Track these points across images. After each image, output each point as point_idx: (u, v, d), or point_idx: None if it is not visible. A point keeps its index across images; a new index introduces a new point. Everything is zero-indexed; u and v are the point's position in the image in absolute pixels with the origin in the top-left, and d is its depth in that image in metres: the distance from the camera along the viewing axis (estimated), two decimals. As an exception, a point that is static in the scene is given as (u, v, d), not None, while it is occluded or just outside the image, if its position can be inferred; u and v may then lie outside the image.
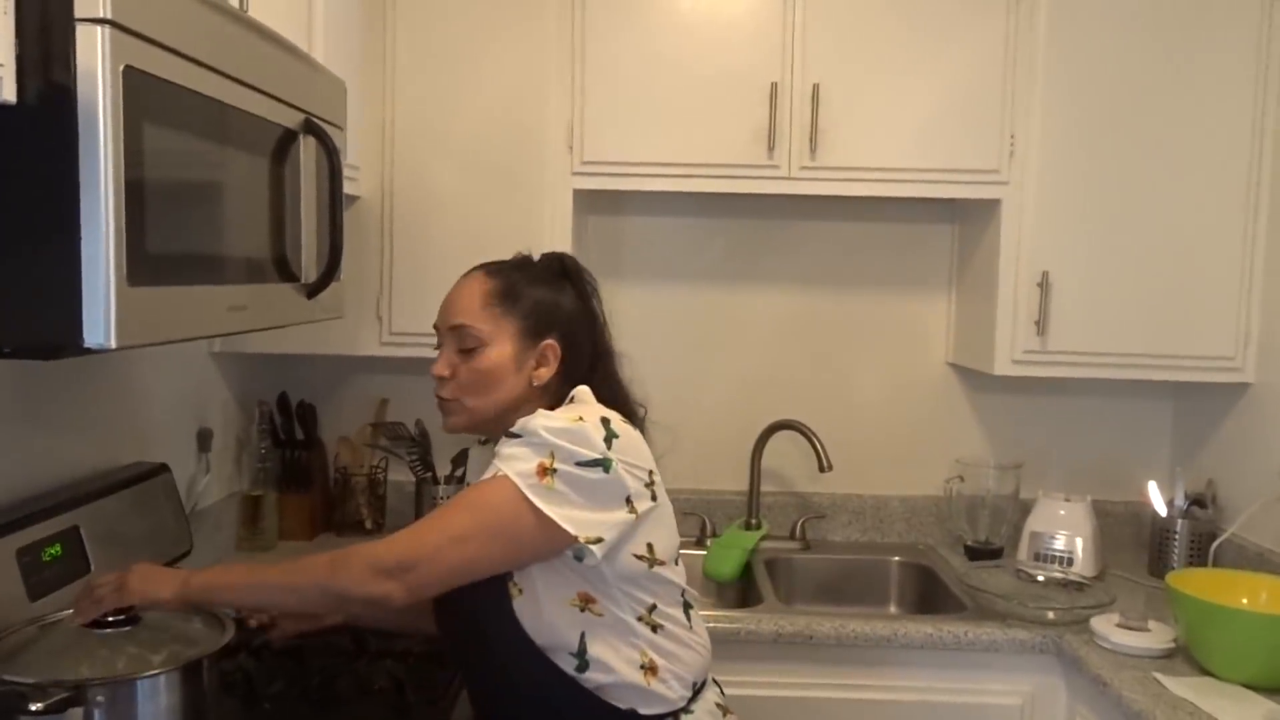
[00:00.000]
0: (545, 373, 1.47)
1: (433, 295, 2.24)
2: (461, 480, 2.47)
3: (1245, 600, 1.81)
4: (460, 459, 2.46)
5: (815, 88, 2.20)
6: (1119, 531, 2.51)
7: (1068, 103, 2.21)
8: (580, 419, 1.36)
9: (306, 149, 1.57)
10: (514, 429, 1.38)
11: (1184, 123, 2.21)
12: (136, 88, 1.07)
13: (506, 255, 2.22)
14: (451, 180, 2.26)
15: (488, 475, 1.37)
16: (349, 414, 2.57)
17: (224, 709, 1.44)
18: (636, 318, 2.60)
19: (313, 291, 1.60)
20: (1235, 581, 1.87)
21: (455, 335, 1.48)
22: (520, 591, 1.36)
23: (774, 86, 2.20)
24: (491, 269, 1.54)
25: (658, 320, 2.62)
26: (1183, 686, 1.67)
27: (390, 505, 2.54)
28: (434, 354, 2.29)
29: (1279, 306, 2.19)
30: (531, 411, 1.41)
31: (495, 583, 1.36)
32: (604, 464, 1.34)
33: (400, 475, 2.53)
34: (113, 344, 1.03)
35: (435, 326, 1.52)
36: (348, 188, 1.99)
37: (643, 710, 1.40)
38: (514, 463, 1.34)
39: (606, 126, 2.24)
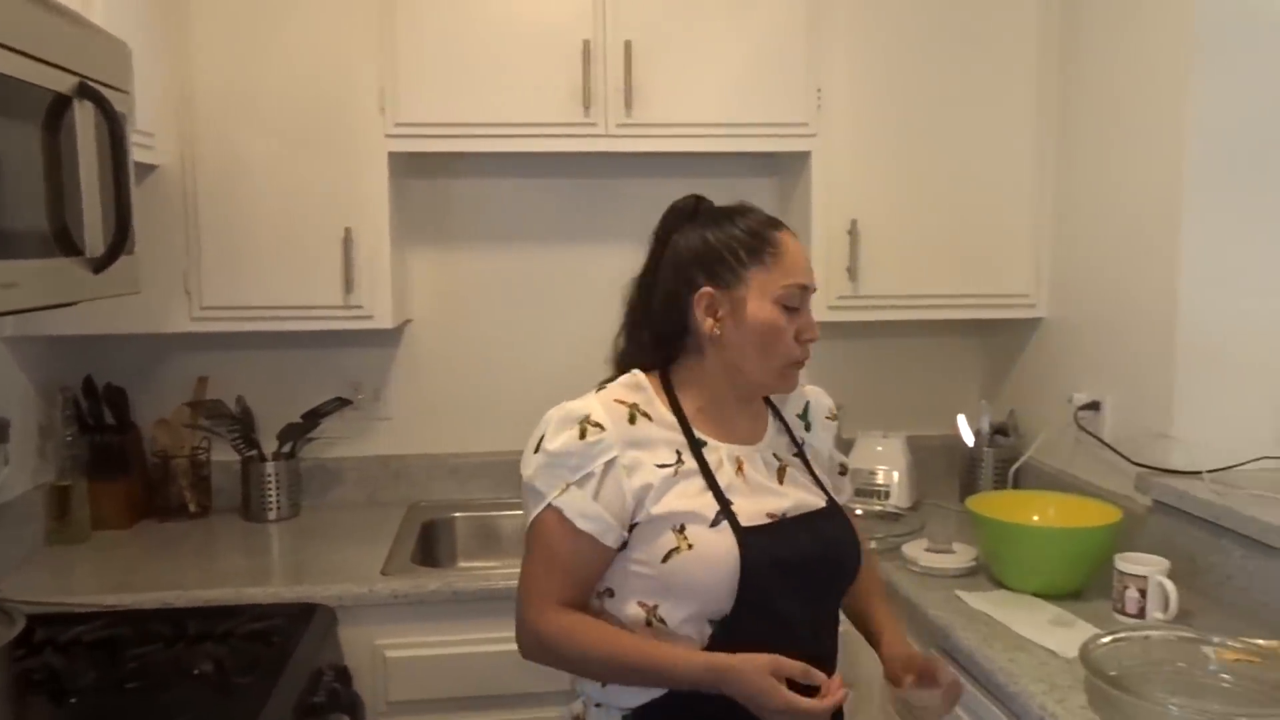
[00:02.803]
0: None
1: (247, 267, 2.19)
2: (291, 456, 2.41)
3: (1036, 517, 1.96)
4: (289, 433, 2.39)
5: (627, 45, 2.21)
6: (936, 463, 2.66)
7: (870, 57, 2.30)
8: None
9: (84, 114, 1.49)
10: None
11: (977, 75, 2.33)
12: None
13: (323, 222, 2.20)
14: (259, 146, 2.17)
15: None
16: (165, 395, 2.46)
17: (26, 706, 1.37)
18: (469, 282, 2.59)
19: (100, 266, 1.52)
20: (1028, 501, 2.02)
21: (809, 298, 1.42)
22: None
23: (586, 44, 2.20)
24: None
25: (491, 284, 2.60)
26: (981, 600, 1.80)
27: (216, 486, 2.46)
28: (248, 328, 2.24)
29: (1067, 246, 2.35)
30: None
31: None
32: None
33: (225, 455, 2.44)
34: None
35: (802, 286, 1.40)
36: (142, 156, 1.90)
37: None
38: None
39: (419, 87, 2.19)
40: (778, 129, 2.30)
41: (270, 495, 2.38)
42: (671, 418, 1.39)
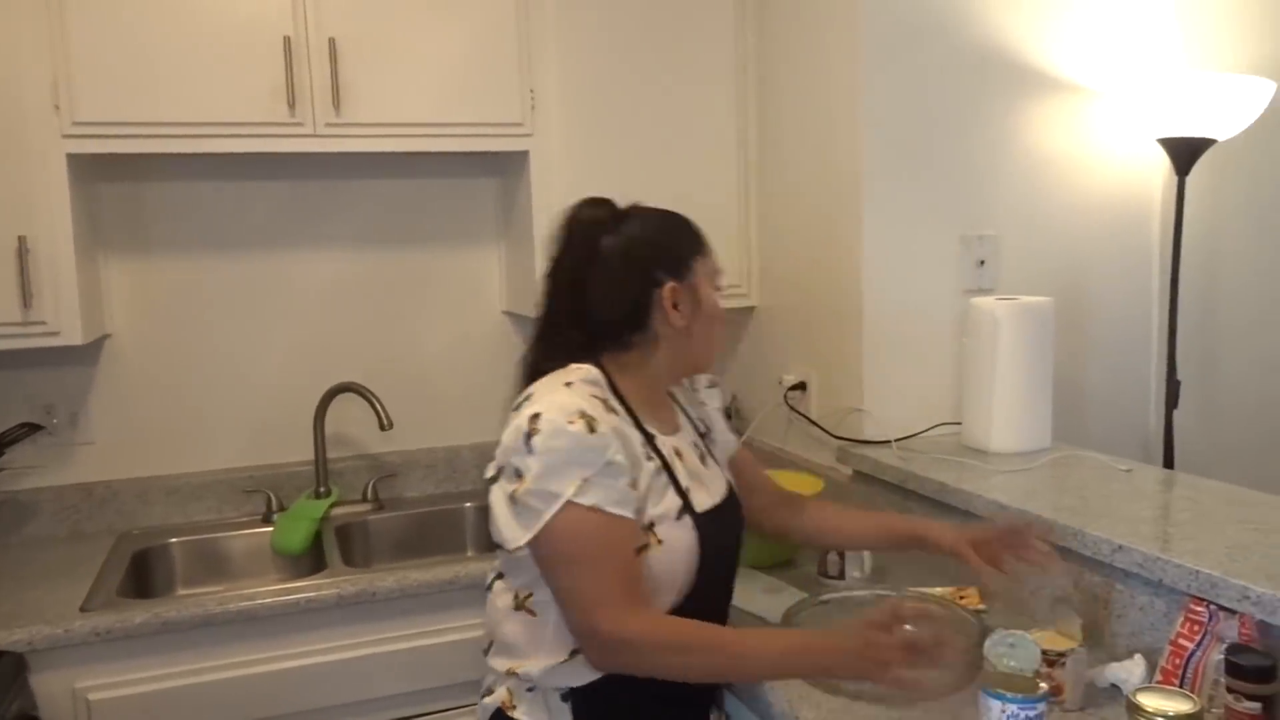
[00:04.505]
0: None
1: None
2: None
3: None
4: (-34, 468, 2.16)
5: (332, 42, 2.14)
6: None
7: (579, 59, 2.35)
8: None
9: None
10: None
11: (680, 74, 2.43)
12: None
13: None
14: (-91, 148, 1.94)
15: None
16: None
17: None
18: (175, 291, 2.43)
19: None
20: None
21: None
22: None
23: (288, 41, 2.11)
24: None
25: (201, 292, 2.45)
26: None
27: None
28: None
29: (771, 239, 2.51)
30: None
31: None
32: None
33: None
34: None
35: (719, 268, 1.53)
36: None
37: None
38: None
39: (101, 82, 2.03)
40: (493, 129, 2.31)
41: (-53, 537, 2.13)
42: (624, 412, 1.37)
